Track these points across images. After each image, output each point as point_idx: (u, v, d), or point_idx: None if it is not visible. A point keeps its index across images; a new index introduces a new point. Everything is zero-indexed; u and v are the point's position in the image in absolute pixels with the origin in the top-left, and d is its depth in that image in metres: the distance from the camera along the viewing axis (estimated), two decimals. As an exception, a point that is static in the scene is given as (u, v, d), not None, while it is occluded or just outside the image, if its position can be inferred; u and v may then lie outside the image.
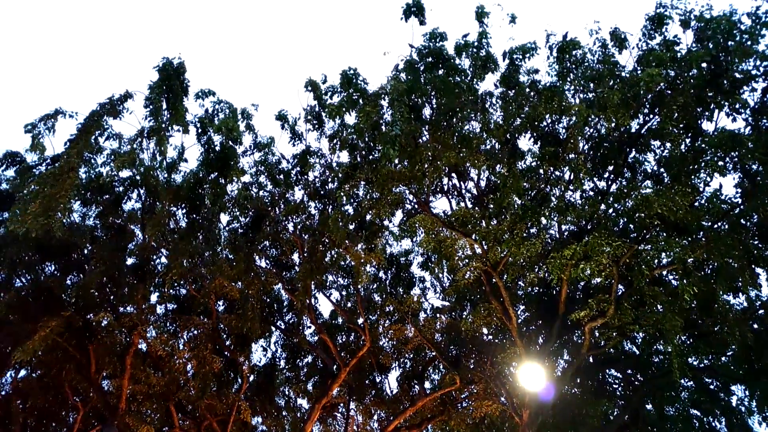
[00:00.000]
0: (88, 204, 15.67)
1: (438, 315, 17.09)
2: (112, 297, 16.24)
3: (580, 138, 13.34)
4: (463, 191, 14.85)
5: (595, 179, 14.42)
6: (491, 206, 13.92)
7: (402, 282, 17.50)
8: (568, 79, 13.41)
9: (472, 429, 17.06)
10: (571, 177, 13.45)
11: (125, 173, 14.82)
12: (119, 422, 15.06)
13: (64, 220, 13.11)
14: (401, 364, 18.37)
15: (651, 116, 13.49)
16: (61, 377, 16.51)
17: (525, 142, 13.90)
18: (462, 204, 14.66)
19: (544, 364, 13.77)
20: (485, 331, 16.37)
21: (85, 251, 15.78)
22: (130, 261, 16.20)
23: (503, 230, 13.08)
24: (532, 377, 13.28)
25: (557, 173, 13.53)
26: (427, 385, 18.21)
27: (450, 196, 14.91)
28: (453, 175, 14.66)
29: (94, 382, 16.01)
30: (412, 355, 18.11)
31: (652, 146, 13.88)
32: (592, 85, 13.12)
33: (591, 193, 14.34)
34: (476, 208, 14.32)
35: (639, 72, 12.74)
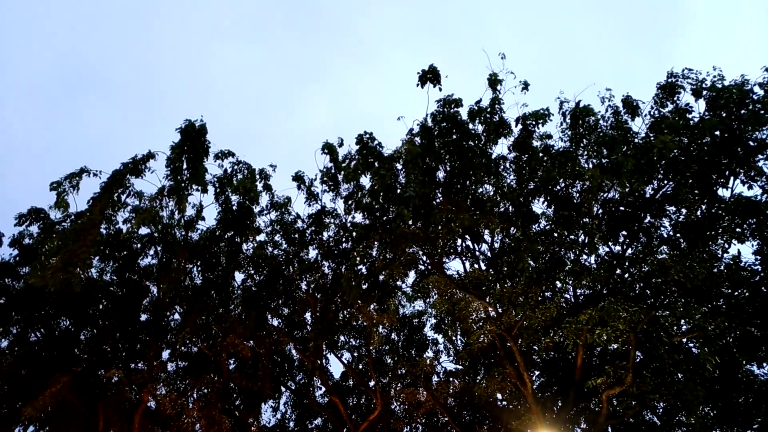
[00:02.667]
0: (106, 259, 15.89)
1: (451, 379, 16.73)
2: (124, 353, 16.21)
3: (593, 202, 13.38)
4: (477, 253, 14.85)
5: (609, 243, 14.34)
6: (505, 269, 13.87)
7: (415, 344, 17.27)
8: (581, 145, 13.59)
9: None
10: (586, 240, 13.40)
11: (144, 230, 15.06)
12: (124, 484, 14.75)
13: (83, 276, 13.27)
14: (413, 429, 17.87)
15: (665, 182, 13.52)
16: (68, 434, 16.30)
17: (539, 206, 13.96)
18: (476, 266, 14.62)
19: (561, 431, 13.32)
20: (499, 396, 15.95)
21: (101, 306, 15.88)
22: (143, 317, 16.27)
23: (517, 293, 12.97)
24: (549, 446, 12.83)
25: (571, 237, 13.49)
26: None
27: (464, 258, 14.89)
28: (467, 236, 14.69)
29: (100, 441, 15.78)
30: (424, 420, 17.63)
31: (668, 211, 13.83)
32: (605, 150, 13.25)
33: (606, 257, 14.23)
34: (490, 270, 14.27)
35: (652, 138, 12.88)
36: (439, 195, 13.81)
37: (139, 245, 15.50)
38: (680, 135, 12.61)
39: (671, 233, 13.91)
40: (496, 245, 14.92)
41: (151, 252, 15.73)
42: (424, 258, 14.76)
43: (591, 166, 13.50)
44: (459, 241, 14.86)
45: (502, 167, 14.10)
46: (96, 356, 15.24)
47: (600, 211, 14.24)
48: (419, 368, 16.20)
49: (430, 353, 17.21)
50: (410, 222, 13.56)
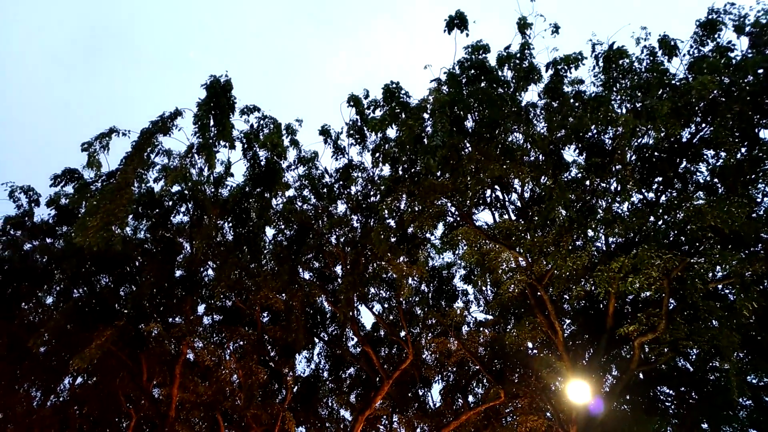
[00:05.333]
0: (139, 218, 16.20)
1: (481, 328, 16.88)
2: (162, 308, 16.72)
3: (627, 148, 13.02)
4: (507, 203, 14.70)
5: (643, 190, 14.02)
6: (536, 218, 13.70)
7: (444, 295, 17.39)
8: (615, 89, 13.12)
9: (518, 445, 16.74)
10: (618, 188, 13.12)
11: (174, 188, 15.24)
12: (169, 430, 15.45)
13: (122, 234, 13.57)
14: (444, 378, 18.22)
15: (703, 125, 13.05)
16: (115, 385, 17.10)
17: (570, 154, 13.65)
18: (505, 216, 14.50)
19: (592, 379, 13.40)
20: (530, 345, 16.06)
21: (137, 263, 16.30)
22: (178, 273, 16.68)
23: (548, 243, 12.86)
24: (579, 392, 12.95)
25: (603, 184, 13.23)
26: (470, 398, 17.99)
27: (493, 209, 14.76)
28: (496, 187, 14.53)
29: (145, 390, 16.50)
30: (455, 369, 17.94)
31: (705, 156, 13.41)
32: (640, 94, 12.79)
33: (639, 204, 13.95)
34: (520, 221, 14.15)
35: (690, 79, 12.36)
36: (468, 145, 13.59)
37: (170, 203, 15.74)
38: (721, 75, 12.06)
39: (708, 178, 13.52)
40: (527, 195, 14.74)
41: (183, 209, 15.97)
42: (453, 209, 14.67)
43: (625, 111, 13.08)
44: (488, 192, 14.71)
45: (532, 114, 13.76)
46: (136, 311, 15.73)
47: (633, 157, 13.87)
48: (449, 318, 16.36)
49: (460, 304, 17.35)
50: (438, 173, 13.43)
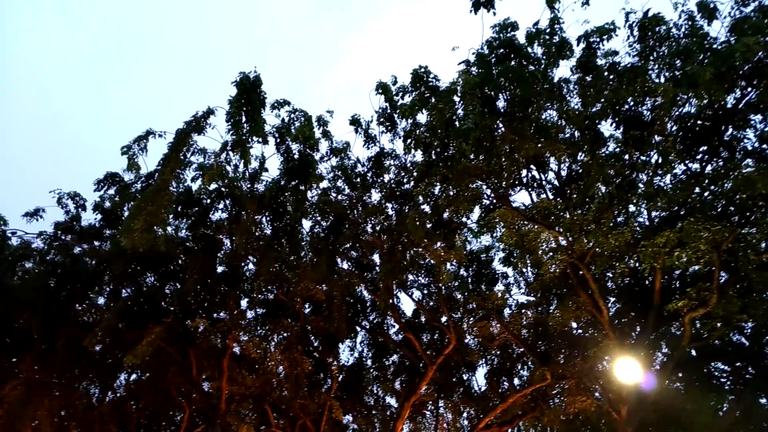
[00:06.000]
0: (179, 217, 16.55)
1: (523, 310, 16.69)
2: (206, 303, 17.12)
3: (667, 119, 12.54)
4: (544, 183, 14.39)
5: (686, 161, 13.51)
6: (574, 196, 13.41)
7: (484, 279, 17.24)
8: (652, 58, 12.62)
9: (566, 425, 16.54)
10: (660, 160, 12.69)
11: (212, 186, 15.49)
12: (221, 421, 15.88)
13: (165, 234, 13.89)
14: (488, 361, 18.13)
15: (749, 89, 12.44)
16: (167, 379, 17.63)
17: (606, 128, 13.22)
18: (543, 196, 14.21)
19: (641, 357, 13.08)
20: (574, 325, 15.81)
21: (180, 261, 16.69)
22: (220, 269, 17.02)
23: (588, 220, 12.56)
24: (628, 371, 12.67)
25: (644, 158, 12.80)
26: (516, 381, 17.87)
27: (530, 189, 14.49)
28: (532, 166, 14.24)
29: (195, 384, 16.98)
30: (498, 352, 17.82)
31: (752, 121, 12.81)
32: (679, 61, 12.27)
33: (683, 176, 13.46)
34: (558, 199, 13.85)
35: (733, 42, 11.79)
36: (501, 125, 13.34)
37: (209, 201, 16.03)
38: (765, 35, 11.45)
39: (757, 145, 12.94)
40: (564, 173, 14.41)
41: (221, 206, 16.25)
42: (489, 192, 14.46)
43: (663, 80, 12.58)
44: (524, 172, 14.44)
45: (565, 90, 13.38)
46: (182, 308, 16.16)
47: (674, 127, 13.37)
48: (490, 302, 16.23)
49: (500, 287, 17.18)
50: (472, 156, 13.23)
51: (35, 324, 16.06)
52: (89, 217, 17.15)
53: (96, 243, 17.07)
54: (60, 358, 16.79)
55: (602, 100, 12.63)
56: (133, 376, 19.16)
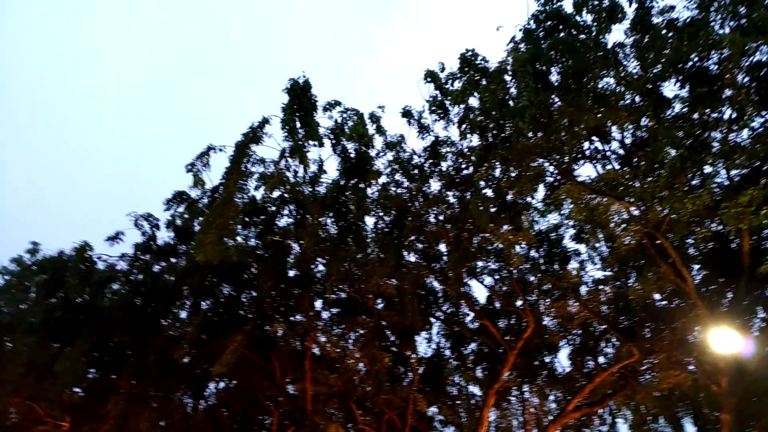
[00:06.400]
0: (247, 227, 17.05)
1: (601, 287, 16.14)
2: (282, 308, 17.59)
3: (737, 71, 11.75)
4: (608, 153, 13.85)
5: (763, 113, 12.61)
6: (642, 164, 12.81)
7: (556, 258, 16.78)
8: (713, 9, 11.86)
9: (662, 402, 15.90)
10: (734, 115, 11.91)
11: (275, 193, 15.85)
12: (310, 422, 16.28)
13: (235, 245, 14.34)
14: (570, 342, 17.67)
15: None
16: (253, 385, 18.28)
17: (670, 89, 12.54)
18: (609, 167, 13.68)
19: (735, 325, 12.36)
20: (657, 297, 15.13)
21: (253, 269, 17.21)
22: (292, 273, 17.41)
23: (661, 187, 11.97)
24: (724, 340, 11.99)
25: (715, 114, 12.05)
26: (601, 360, 17.33)
27: (594, 161, 13.98)
28: (594, 138, 13.73)
29: (281, 387, 17.50)
30: (580, 331, 17.32)
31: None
32: (743, 9, 11.47)
33: (761, 129, 12.57)
34: (626, 169, 13.29)
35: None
36: (556, 100, 12.93)
37: (273, 208, 16.43)
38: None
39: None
40: (628, 141, 13.80)
41: (286, 212, 16.62)
42: (552, 169, 14.06)
43: (728, 31, 11.80)
44: (586, 145, 13.95)
45: (621, 56, 12.79)
46: (259, 314, 16.67)
47: (746, 79, 12.51)
48: (565, 281, 15.82)
49: (574, 264, 16.67)
50: (530, 134, 12.91)
51: (127, 341, 17.03)
52: (164, 236, 18.00)
53: (172, 260, 17.89)
54: (153, 372, 17.71)
55: (662, 60, 11.99)
56: (222, 384, 19.96)
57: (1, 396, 16.78)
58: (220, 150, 13.76)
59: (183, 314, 18.33)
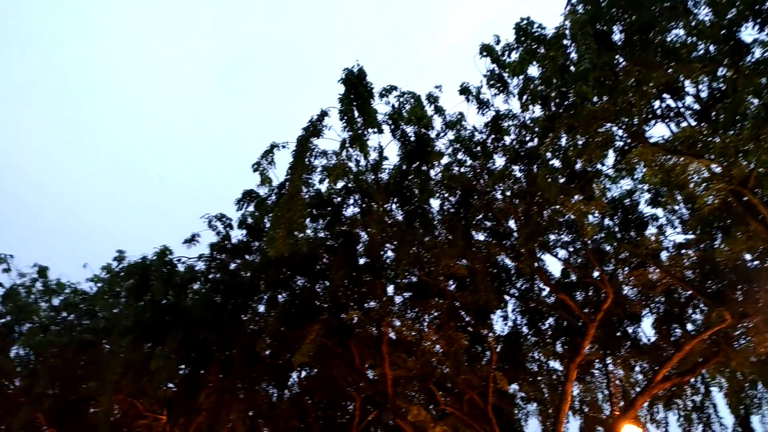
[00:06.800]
0: (315, 219, 17.36)
1: (683, 251, 15.37)
2: (356, 295, 17.84)
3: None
4: (682, 110, 13.09)
5: None
6: (722, 117, 12.02)
7: (632, 225, 16.11)
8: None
9: (759, 367, 15.08)
10: (823, 54, 10.94)
11: (339, 184, 16.02)
12: (391, 406, 16.50)
13: (304, 237, 14.61)
14: (653, 310, 16.99)
15: None
16: (334, 372, 18.71)
17: (748, 33, 11.64)
18: (684, 124, 12.93)
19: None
20: (748, 257, 14.27)
21: (324, 260, 17.52)
22: (362, 261, 17.62)
23: (744, 140, 11.19)
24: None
25: (801, 56, 11.11)
26: (689, 327, 16.57)
27: (667, 120, 13.26)
28: (665, 95, 13.01)
29: (361, 373, 17.81)
30: (663, 299, 16.61)
31: None
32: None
33: None
34: (703, 124, 12.52)
35: None
36: (621, 60, 12.31)
37: (339, 198, 16.62)
38: None
39: None
40: (704, 94, 12.98)
41: (351, 202, 16.78)
42: (621, 132, 13.44)
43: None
44: (657, 103, 13.24)
45: (690, 3, 11.99)
46: (334, 303, 16.98)
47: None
48: (643, 248, 15.17)
49: (652, 230, 15.97)
50: (595, 98, 12.38)
51: (212, 337, 17.79)
52: (237, 234, 18.61)
53: (247, 257, 18.48)
54: (238, 365, 18.45)
55: (738, 3, 11.15)
56: (304, 373, 20.56)
57: (105, 395, 17.94)
58: (283, 147, 14.01)
59: (261, 308, 18.97)
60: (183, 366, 19.34)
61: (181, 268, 17.99)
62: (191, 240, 17.45)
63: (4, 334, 21.04)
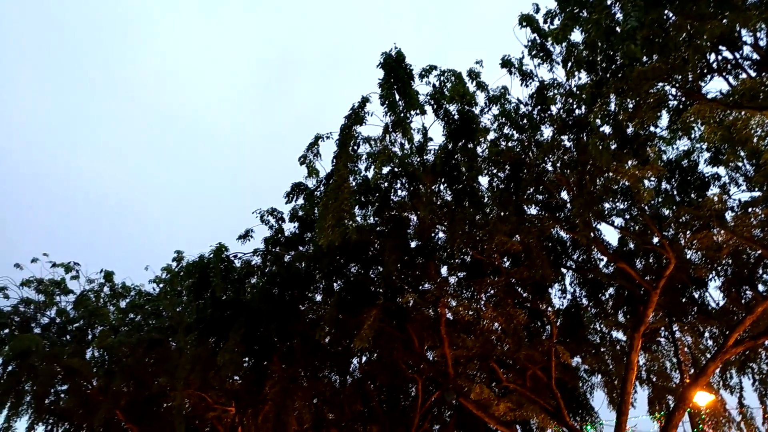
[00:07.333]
0: (363, 206, 17.44)
1: (750, 209, 14.66)
2: (410, 279, 17.88)
3: None
4: (740, 61, 12.40)
5: None
6: (785, 65, 11.35)
7: (692, 186, 15.48)
8: None
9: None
10: None
11: (384, 169, 15.98)
12: (453, 385, 16.54)
13: (353, 225, 14.69)
14: (720, 273, 16.33)
15: None
16: (394, 356, 18.87)
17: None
18: (743, 76, 12.25)
19: None
20: (822, 211, 13.51)
21: (376, 246, 17.61)
22: (413, 244, 17.62)
23: (810, 87, 10.55)
24: None
25: None
26: (760, 287, 15.86)
27: (724, 73, 12.59)
28: (721, 48, 12.35)
29: (420, 355, 17.89)
30: (730, 261, 15.94)
31: None
32: None
33: None
34: (763, 75, 11.83)
35: None
36: (670, 14, 11.73)
37: (386, 184, 16.61)
38: None
39: None
40: (762, 43, 12.25)
41: (398, 186, 16.75)
42: (674, 91, 12.87)
43: None
44: (712, 57, 12.59)
45: (742, -54, 11.29)
46: (389, 288, 17.08)
47: None
48: (706, 209, 14.51)
49: (714, 190, 15.29)
50: (644, 58, 11.89)
51: (272, 329, 18.22)
52: (289, 227, 18.91)
53: (300, 248, 18.76)
54: (299, 354, 18.86)
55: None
56: (364, 359, 20.83)
57: (177, 390, 18.68)
58: (327, 137, 14.04)
59: (318, 297, 19.27)
60: (247, 358, 19.91)
61: (237, 263, 18.43)
62: (245, 236, 17.84)
63: (79, 337, 22.13)
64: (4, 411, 21.45)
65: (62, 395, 23.43)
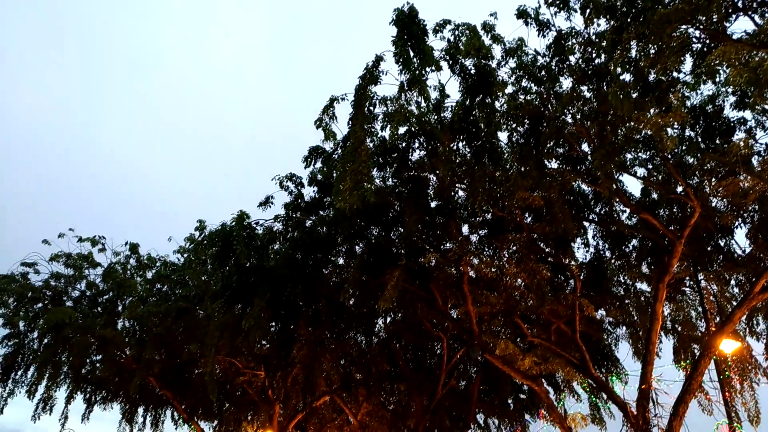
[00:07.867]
0: (381, 167, 17.37)
1: (778, 153, 14.33)
2: (431, 238, 17.91)
3: None
4: (768, -2, 11.92)
5: None
6: (815, 0, 10.89)
7: (716, 132, 15.11)
8: None
9: None
10: None
11: (401, 129, 15.83)
12: (478, 342, 16.72)
13: (372, 187, 14.67)
14: (746, 220, 16.07)
15: None
16: (418, 315, 19.09)
17: None
18: (771, 13, 11.80)
19: None
20: None
21: (396, 207, 17.61)
22: (433, 204, 17.58)
23: None
24: None
25: None
26: (789, 233, 15.60)
27: (751, 12, 12.12)
28: (747, -16, 11.87)
29: (444, 314, 18.07)
30: (757, 207, 15.66)
31: None
32: None
33: None
34: (793, 11, 11.39)
35: None
36: (693, -48, 11.26)
37: (403, 144, 16.49)
38: None
39: None
40: (791, -24, 11.75)
41: (416, 145, 16.61)
42: (698, 34, 12.45)
43: None
44: (738, -6, 12.11)
45: None
46: (411, 248, 17.13)
47: None
48: (731, 155, 14.19)
49: (740, 135, 14.92)
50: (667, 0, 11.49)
51: (297, 293, 18.48)
52: (308, 192, 18.97)
53: (321, 212, 18.85)
54: (325, 317, 19.15)
55: None
56: (389, 319, 21.10)
57: (208, 356, 19.15)
58: (343, 99, 13.91)
59: (341, 261, 19.42)
60: (273, 323, 20.28)
61: (259, 230, 18.59)
62: (266, 203, 17.92)
63: (110, 309, 22.69)
64: (44, 381, 22.24)
65: (98, 365, 24.16)
